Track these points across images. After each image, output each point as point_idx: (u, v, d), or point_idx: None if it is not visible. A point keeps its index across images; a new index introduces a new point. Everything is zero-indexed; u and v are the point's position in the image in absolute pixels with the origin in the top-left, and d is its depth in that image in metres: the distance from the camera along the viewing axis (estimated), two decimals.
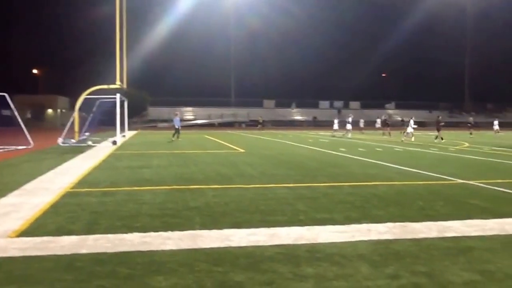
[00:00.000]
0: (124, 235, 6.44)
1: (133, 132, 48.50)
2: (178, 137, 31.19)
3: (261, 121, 61.93)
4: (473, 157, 19.98)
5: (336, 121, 43.64)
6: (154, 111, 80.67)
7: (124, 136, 34.87)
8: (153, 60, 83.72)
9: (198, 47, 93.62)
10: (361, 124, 51.14)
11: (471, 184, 11.65)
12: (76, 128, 28.37)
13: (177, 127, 31.47)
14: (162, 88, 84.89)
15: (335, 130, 42.92)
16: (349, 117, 40.49)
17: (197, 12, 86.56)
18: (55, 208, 8.21)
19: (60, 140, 25.77)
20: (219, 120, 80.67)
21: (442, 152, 22.45)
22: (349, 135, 38.87)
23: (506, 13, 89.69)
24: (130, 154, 20.14)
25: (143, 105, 77.86)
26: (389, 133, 40.72)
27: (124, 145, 26.46)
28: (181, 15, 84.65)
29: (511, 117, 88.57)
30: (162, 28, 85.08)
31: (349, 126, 39.55)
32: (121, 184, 11.25)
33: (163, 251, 5.71)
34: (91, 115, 33.14)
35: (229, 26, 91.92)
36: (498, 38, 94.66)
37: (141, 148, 24.17)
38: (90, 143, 25.89)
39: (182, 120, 36.42)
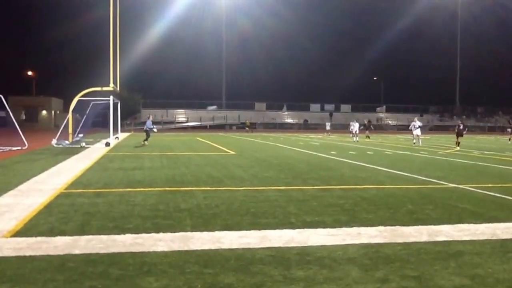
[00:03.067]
0: (116, 236, 6.47)
1: (126, 134, 48.46)
2: (146, 140, 28.14)
3: (248, 124, 62.44)
4: (463, 160, 20.11)
5: (416, 124, 38.01)
6: (146, 113, 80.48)
7: (117, 138, 34.88)
8: (145, 62, 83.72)
9: (190, 50, 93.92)
10: (328, 127, 51.45)
11: (461, 188, 11.72)
12: (70, 129, 28.48)
13: (146, 129, 28.70)
14: (154, 90, 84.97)
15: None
16: (415, 121, 34.93)
17: (189, 16, 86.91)
18: (49, 209, 8.25)
19: (54, 142, 25.80)
20: (211, 123, 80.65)
21: (431, 156, 22.56)
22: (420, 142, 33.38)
23: (496, 17, 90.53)
24: (122, 156, 20.14)
25: (135, 107, 78.02)
26: (368, 136, 40.82)
27: (117, 147, 26.46)
28: (173, 19, 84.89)
29: (502, 121, 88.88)
30: (155, 31, 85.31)
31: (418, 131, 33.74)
32: (114, 185, 11.30)
33: (154, 252, 5.75)
34: (85, 116, 33.18)
35: (220, 29, 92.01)
36: (488, 41, 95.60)
37: (134, 150, 24.18)
38: (83, 144, 25.86)
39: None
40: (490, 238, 6.81)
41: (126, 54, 56.21)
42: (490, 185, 12.25)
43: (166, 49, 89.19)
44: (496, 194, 10.68)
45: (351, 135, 39.91)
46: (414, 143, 32.84)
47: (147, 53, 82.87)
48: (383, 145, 32.30)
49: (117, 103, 32.97)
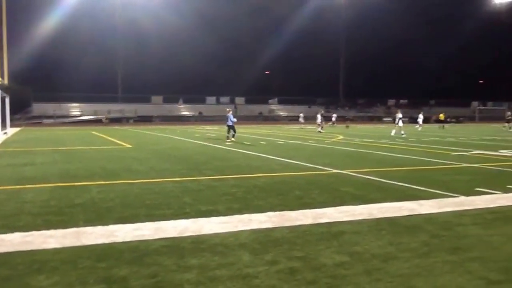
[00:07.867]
0: (4, 235, 6.28)
1: (16, 129, 46.04)
2: (233, 136, 25.65)
3: (105, 118, 65.99)
4: (346, 148, 21.41)
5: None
6: (39, 107, 77.05)
7: (5, 133, 33.20)
8: (38, 54, 79.84)
9: (84, 42, 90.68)
10: (301, 120, 52.03)
11: (344, 173, 12.52)
12: None
13: (230, 124, 25.54)
14: (47, 83, 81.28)
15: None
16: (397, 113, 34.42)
17: (85, 7, 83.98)
18: None
19: None
20: (107, 116, 78.67)
21: (319, 145, 23.66)
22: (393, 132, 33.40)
23: (376, 18, 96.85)
24: (12, 152, 19.24)
25: (26, 101, 74.22)
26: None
27: (5, 143, 25.14)
28: (68, 9, 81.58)
29: (380, 111, 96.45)
30: (48, 22, 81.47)
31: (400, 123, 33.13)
32: (2, 183, 10.83)
33: (45, 250, 5.66)
34: None
35: (115, 21, 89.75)
36: (369, 40, 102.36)
37: (25, 146, 23.06)
38: None
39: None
40: (367, 218, 7.37)
41: (15, 45, 53.50)
42: (368, 169, 13.21)
43: (60, 41, 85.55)
44: (375, 178, 11.56)
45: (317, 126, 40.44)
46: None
47: (39, 45, 79.12)
48: (276, 135, 33.18)
49: (5, 97, 31.38)
